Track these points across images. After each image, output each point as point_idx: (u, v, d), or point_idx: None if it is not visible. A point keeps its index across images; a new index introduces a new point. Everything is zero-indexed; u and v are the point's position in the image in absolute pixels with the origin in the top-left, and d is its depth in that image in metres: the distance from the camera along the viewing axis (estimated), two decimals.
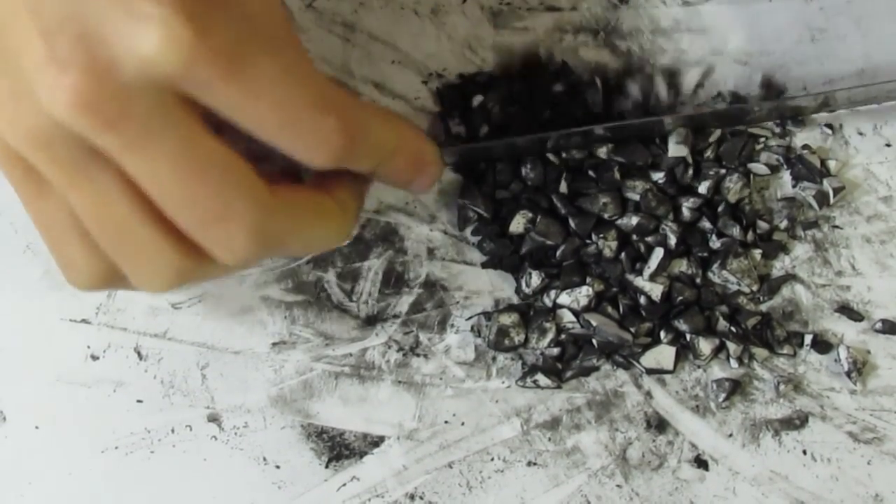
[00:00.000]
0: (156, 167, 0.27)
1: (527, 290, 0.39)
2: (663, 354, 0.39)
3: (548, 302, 0.39)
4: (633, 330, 0.39)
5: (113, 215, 0.28)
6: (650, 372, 0.39)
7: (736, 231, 0.40)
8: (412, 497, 0.38)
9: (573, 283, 0.39)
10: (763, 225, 0.41)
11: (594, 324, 0.39)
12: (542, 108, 0.41)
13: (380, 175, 0.32)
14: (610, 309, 0.39)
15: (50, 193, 0.29)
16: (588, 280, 0.39)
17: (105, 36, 0.25)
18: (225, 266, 0.29)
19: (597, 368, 0.39)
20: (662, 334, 0.39)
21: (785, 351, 0.40)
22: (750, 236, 0.41)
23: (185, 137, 0.27)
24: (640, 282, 0.39)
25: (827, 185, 0.42)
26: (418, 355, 0.39)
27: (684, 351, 0.40)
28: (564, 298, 0.39)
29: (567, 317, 0.39)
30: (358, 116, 0.29)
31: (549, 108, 0.41)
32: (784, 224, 0.41)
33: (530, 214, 0.39)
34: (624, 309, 0.39)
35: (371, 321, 0.39)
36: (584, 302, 0.39)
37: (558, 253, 0.39)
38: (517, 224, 0.39)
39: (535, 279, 0.39)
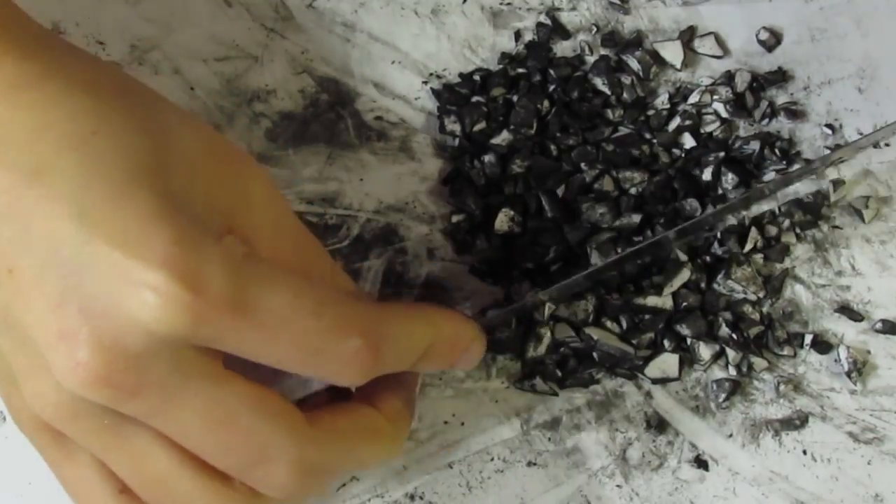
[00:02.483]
0: (185, 424, 0.26)
1: (516, 299, 0.39)
2: (667, 363, 0.39)
3: (544, 314, 0.39)
4: (634, 342, 0.39)
5: (153, 471, 0.27)
6: (655, 381, 0.39)
7: (732, 242, 0.40)
8: (412, 497, 0.38)
9: (568, 297, 0.39)
10: (771, 228, 0.41)
11: (595, 338, 0.38)
12: (540, 101, 0.41)
13: (421, 368, 0.31)
14: (610, 323, 0.39)
15: (77, 457, 0.28)
16: (586, 296, 0.39)
17: (106, 307, 0.25)
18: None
19: (597, 381, 0.39)
20: (666, 343, 0.39)
21: (785, 352, 0.40)
22: (749, 245, 0.40)
23: (208, 388, 0.26)
24: (653, 300, 0.39)
25: (827, 184, 0.42)
26: None
27: (686, 355, 0.39)
28: (562, 311, 0.39)
29: (566, 331, 0.39)
30: (382, 327, 0.28)
31: (548, 102, 0.41)
32: (786, 224, 0.41)
33: (512, 212, 0.39)
34: (626, 321, 0.39)
35: None
36: (581, 316, 0.39)
37: (550, 254, 0.39)
38: (501, 222, 0.39)
39: (525, 288, 0.39)
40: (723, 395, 0.39)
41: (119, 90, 0.28)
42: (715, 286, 0.40)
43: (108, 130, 0.26)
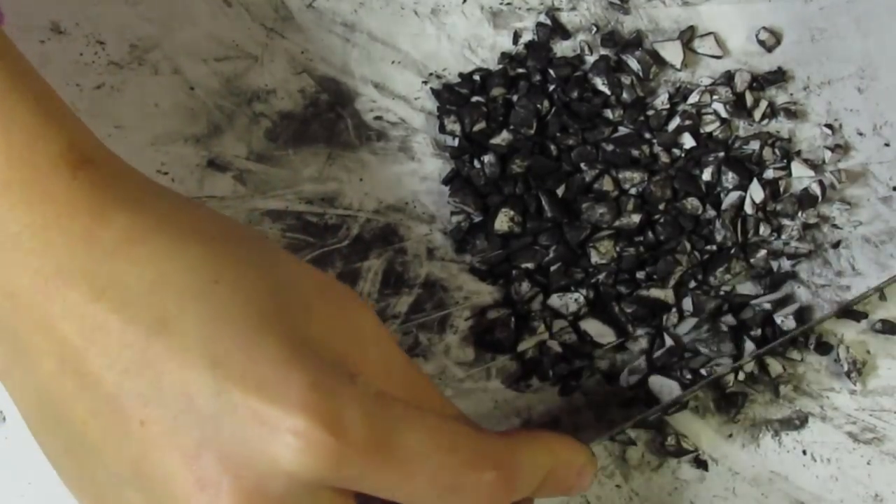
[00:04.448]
0: None
1: (516, 298, 0.39)
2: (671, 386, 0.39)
3: (537, 305, 0.39)
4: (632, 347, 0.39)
5: None
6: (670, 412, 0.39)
7: (728, 234, 0.40)
8: None
9: (563, 286, 0.39)
10: (769, 226, 0.41)
11: (591, 333, 0.39)
12: (540, 101, 0.41)
13: (540, 494, 0.32)
14: (605, 324, 0.39)
15: None
16: (580, 288, 0.39)
17: (246, 455, 0.25)
18: None
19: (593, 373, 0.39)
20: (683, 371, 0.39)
21: (792, 356, 0.40)
22: (757, 236, 0.41)
23: None
24: (655, 292, 0.39)
25: (826, 182, 0.42)
26: (418, 356, 0.39)
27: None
28: (555, 301, 0.39)
29: (561, 324, 0.39)
30: (512, 457, 0.29)
31: (548, 102, 0.41)
32: (791, 226, 0.42)
33: (512, 212, 0.39)
34: (623, 316, 0.39)
35: None
36: (573, 308, 0.39)
37: (549, 254, 0.39)
38: (501, 222, 0.39)
39: (525, 287, 0.39)
40: (734, 410, 0.39)
41: (229, 237, 0.29)
42: (711, 279, 0.40)
43: (228, 278, 0.27)
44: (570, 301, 0.39)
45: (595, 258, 0.39)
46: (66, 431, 0.27)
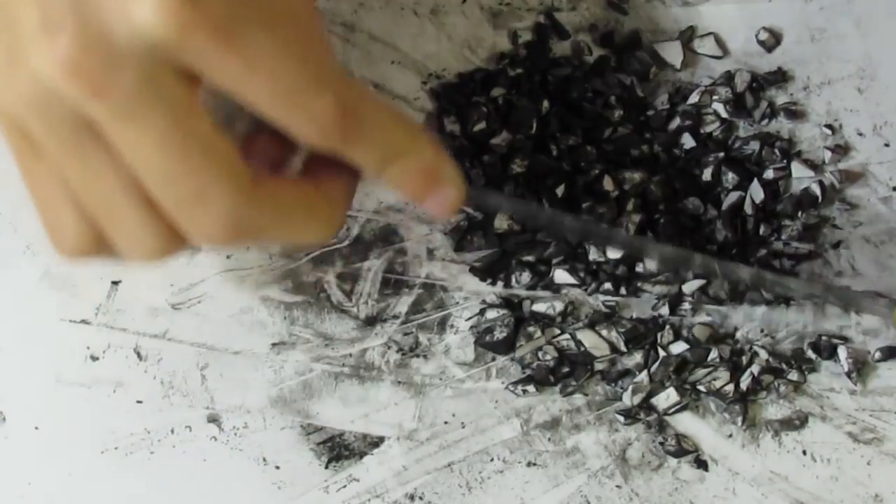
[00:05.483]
0: (140, 139, 0.26)
1: (516, 286, 0.39)
2: (670, 397, 0.39)
3: (525, 309, 0.39)
4: (631, 362, 0.39)
5: (100, 188, 0.28)
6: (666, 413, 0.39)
7: (729, 234, 0.40)
8: (412, 497, 0.38)
9: (557, 288, 0.39)
10: (768, 226, 0.41)
11: (586, 344, 0.39)
12: (539, 101, 0.41)
13: (389, 179, 0.31)
14: (606, 331, 0.39)
15: (44, 157, 0.29)
16: (562, 291, 0.39)
17: (98, 2, 0.25)
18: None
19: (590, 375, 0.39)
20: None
21: (794, 367, 0.40)
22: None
23: (173, 111, 0.26)
24: (659, 289, 0.39)
25: (826, 183, 0.42)
26: (418, 356, 0.39)
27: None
28: (540, 306, 0.39)
29: (556, 331, 0.39)
30: (359, 101, 0.29)
31: (548, 102, 0.42)
32: (791, 226, 0.42)
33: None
34: (621, 332, 0.39)
35: (371, 322, 0.39)
36: (559, 308, 0.39)
37: (547, 252, 0.39)
38: (500, 221, 0.39)
39: (525, 277, 0.39)
40: (739, 420, 0.39)
41: None
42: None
43: None
44: (555, 303, 0.39)
45: (594, 255, 0.39)
46: None
